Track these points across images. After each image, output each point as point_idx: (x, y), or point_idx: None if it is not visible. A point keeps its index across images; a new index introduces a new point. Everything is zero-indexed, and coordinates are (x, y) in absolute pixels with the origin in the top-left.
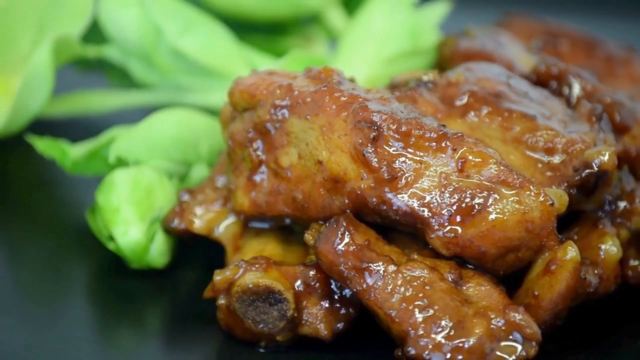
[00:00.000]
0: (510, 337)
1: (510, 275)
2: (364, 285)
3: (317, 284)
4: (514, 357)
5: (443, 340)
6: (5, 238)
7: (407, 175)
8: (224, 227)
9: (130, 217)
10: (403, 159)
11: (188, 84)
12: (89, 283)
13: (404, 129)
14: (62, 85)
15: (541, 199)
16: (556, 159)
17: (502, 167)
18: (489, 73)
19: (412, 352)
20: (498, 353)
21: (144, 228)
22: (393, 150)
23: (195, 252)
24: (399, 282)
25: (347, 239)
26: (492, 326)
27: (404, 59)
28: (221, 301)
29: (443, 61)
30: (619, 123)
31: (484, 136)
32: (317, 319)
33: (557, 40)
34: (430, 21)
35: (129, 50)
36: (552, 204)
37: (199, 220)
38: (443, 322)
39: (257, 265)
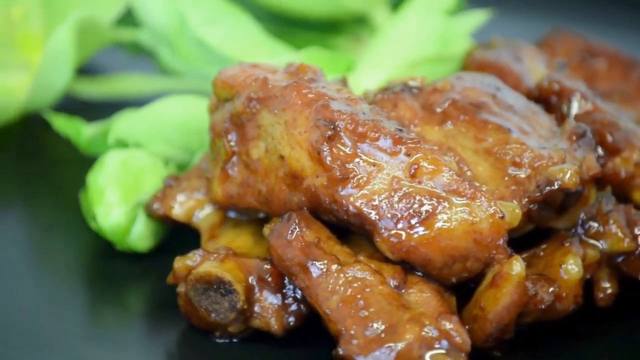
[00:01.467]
0: (437, 345)
1: (461, 285)
2: (307, 282)
3: (271, 278)
4: None
5: (372, 343)
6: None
7: (359, 176)
8: (203, 215)
9: (114, 199)
10: (357, 159)
11: (211, 73)
12: (80, 261)
13: (360, 130)
14: (112, 67)
15: (491, 210)
16: (522, 174)
17: (455, 176)
18: (479, 83)
19: (341, 352)
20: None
21: (127, 211)
22: (348, 150)
23: (186, 237)
24: (340, 282)
25: (296, 235)
26: (423, 333)
27: (427, 64)
28: (181, 288)
29: (464, 70)
30: (610, 144)
31: (457, 145)
32: (268, 312)
33: (594, 59)
34: (463, 29)
35: (157, 37)
36: (503, 217)
37: (179, 206)
38: (375, 325)
39: (215, 255)
